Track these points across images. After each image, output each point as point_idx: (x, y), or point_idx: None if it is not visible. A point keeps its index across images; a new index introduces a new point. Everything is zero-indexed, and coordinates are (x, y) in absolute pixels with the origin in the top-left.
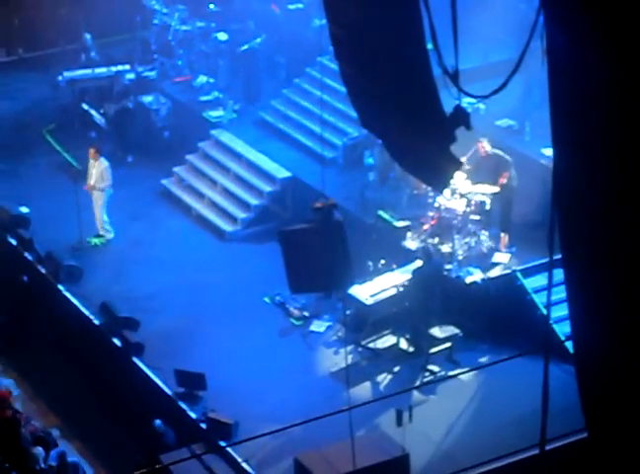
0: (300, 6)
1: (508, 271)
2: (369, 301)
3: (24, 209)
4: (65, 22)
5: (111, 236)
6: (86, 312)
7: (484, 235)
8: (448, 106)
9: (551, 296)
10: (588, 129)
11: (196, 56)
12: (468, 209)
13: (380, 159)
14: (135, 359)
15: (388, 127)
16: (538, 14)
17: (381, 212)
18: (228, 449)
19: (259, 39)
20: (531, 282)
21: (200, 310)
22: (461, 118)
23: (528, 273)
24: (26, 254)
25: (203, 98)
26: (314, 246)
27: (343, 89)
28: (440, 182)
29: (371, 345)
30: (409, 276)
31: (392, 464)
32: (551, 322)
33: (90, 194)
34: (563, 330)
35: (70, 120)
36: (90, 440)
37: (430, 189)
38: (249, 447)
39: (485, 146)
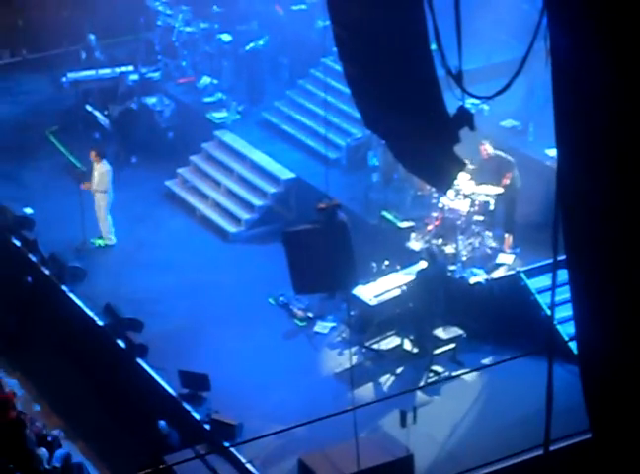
0: (304, 7)
1: (512, 271)
2: (373, 302)
3: (28, 211)
4: (69, 23)
5: (113, 242)
6: (90, 313)
7: (488, 236)
8: (452, 107)
9: (555, 297)
10: (591, 130)
11: (199, 57)
12: (472, 210)
13: (384, 160)
14: (139, 360)
15: (392, 128)
16: (542, 15)
17: (385, 213)
18: (232, 450)
19: (262, 41)
20: (535, 283)
21: (204, 311)
22: (465, 118)
23: (532, 273)
24: (30, 255)
25: (207, 99)
26: (318, 247)
27: (347, 90)
28: (443, 183)
29: (375, 345)
30: (413, 276)
31: (396, 465)
32: (555, 323)
33: (92, 194)
34: (567, 330)
35: (74, 122)
36: (94, 441)
37: (433, 189)
38: (253, 448)
39: (487, 148)
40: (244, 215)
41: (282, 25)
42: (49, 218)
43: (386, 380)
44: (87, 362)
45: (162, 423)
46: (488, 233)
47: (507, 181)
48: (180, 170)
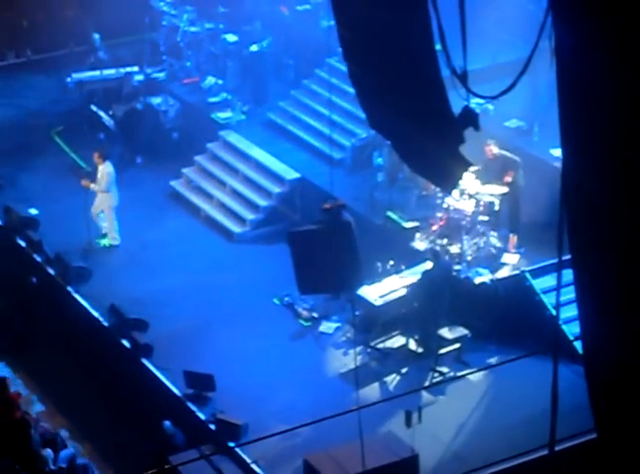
0: (308, 7)
1: (517, 271)
2: (378, 302)
3: (33, 211)
4: (74, 23)
5: (118, 242)
6: (95, 313)
7: (493, 236)
8: (457, 107)
9: (560, 297)
10: (596, 130)
11: (204, 58)
12: (477, 210)
13: (389, 160)
14: (144, 361)
15: (397, 128)
16: (547, 15)
17: (390, 213)
18: (237, 450)
19: (267, 41)
20: (540, 283)
21: (209, 311)
22: (470, 118)
23: (537, 273)
24: (35, 255)
25: (212, 99)
26: (323, 247)
27: (351, 90)
28: (448, 183)
29: (380, 345)
30: (418, 277)
31: (401, 465)
32: (560, 322)
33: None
34: (572, 330)
35: (79, 122)
36: (99, 442)
37: (438, 189)
38: (258, 448)
39: (492, 148)
40: (249, 215)
41: (287, 25)
42: (54, 219)
43: (391, 380)
44: (92, 363)
45: (167, 423)
46: (493, 233)
47: (509, 179)
48: (185, 170)
